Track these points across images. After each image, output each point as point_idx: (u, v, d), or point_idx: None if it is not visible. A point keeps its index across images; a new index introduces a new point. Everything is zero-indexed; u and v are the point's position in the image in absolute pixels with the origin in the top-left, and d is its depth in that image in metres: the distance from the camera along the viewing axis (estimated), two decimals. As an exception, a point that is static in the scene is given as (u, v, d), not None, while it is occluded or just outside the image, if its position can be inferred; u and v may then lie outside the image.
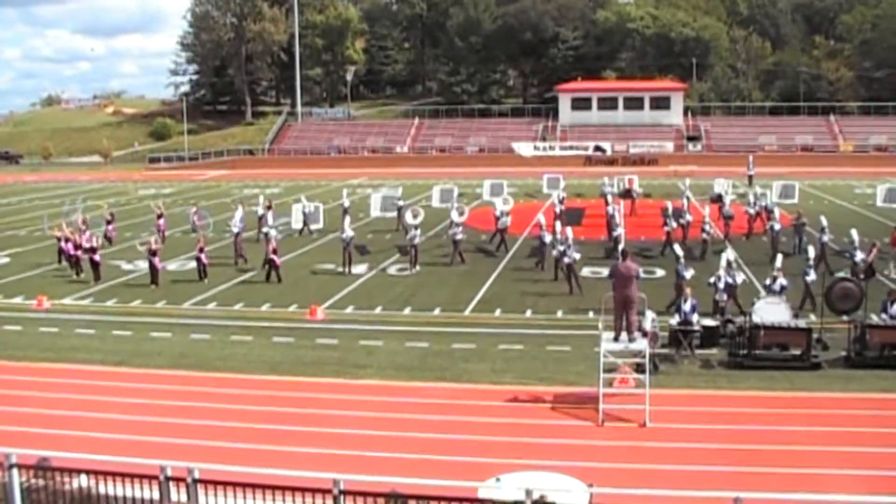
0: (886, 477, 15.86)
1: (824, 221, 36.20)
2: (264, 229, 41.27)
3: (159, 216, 46.58)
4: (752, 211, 43.88)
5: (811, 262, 28.94)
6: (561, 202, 46.47)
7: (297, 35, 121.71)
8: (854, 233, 32.66)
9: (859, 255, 31.10)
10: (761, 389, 21.31)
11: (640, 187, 56.25)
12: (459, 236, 38.80)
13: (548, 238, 36.15)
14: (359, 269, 37.16)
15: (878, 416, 19.53)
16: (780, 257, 28.47)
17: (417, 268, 36.64)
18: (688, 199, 46.92)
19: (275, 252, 35.42)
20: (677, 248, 31.02)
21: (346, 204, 47.86)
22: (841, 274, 29.32)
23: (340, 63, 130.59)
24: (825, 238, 35.10)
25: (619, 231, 37.47)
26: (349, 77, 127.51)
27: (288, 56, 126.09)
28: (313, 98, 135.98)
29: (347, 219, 39.24)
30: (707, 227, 38.28)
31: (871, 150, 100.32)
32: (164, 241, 43.01)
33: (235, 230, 39.64)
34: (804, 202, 52.03)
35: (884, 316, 24.27)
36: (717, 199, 46.52)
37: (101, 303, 32.23)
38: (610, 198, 46.46)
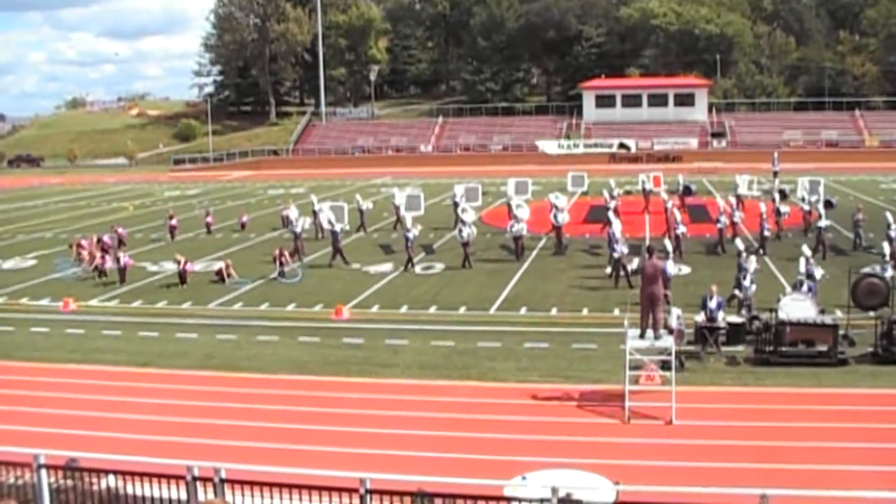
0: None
1: (890, 218, 35.54)
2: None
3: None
4: (806, 207, 43.53)
5: (888, 259, 28.91)
6: (614, 198, 46.20)
7: (320, 35, 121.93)
8: None
9: None
10: (787, 386, 21.20)
11: (667, 184, 56.37)
12: (525, 232, 38.77)
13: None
14: (384, 267, 37.21)
15: (906, 413, 19.41)
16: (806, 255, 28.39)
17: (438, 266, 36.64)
18: (738, 196, 47.38)
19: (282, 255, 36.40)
20: (739, 243, 30.90)
21: (398, 201, 47.98)
22: (867, 269, 29.11)
23: (364, 63, 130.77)
24: (893, 234, 34.28)
25: (682, 229, 37.15)
26: (373, 77, 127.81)
27: (311, 56, 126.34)
28: (337, 98, 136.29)
29: (408, 217, 39.10)
30: (765, 223, 38.23)
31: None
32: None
33: (298, 230, 40.02)
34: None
35: None
36: (783, 194, 46.80)
37: (127, 304, 32.41)
38: (665, 195, 46.20)
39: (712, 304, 24.21)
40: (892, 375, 21.88)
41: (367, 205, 48.43)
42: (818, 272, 27.00)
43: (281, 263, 36.00)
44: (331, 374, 23.14)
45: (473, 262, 37.04)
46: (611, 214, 38.77)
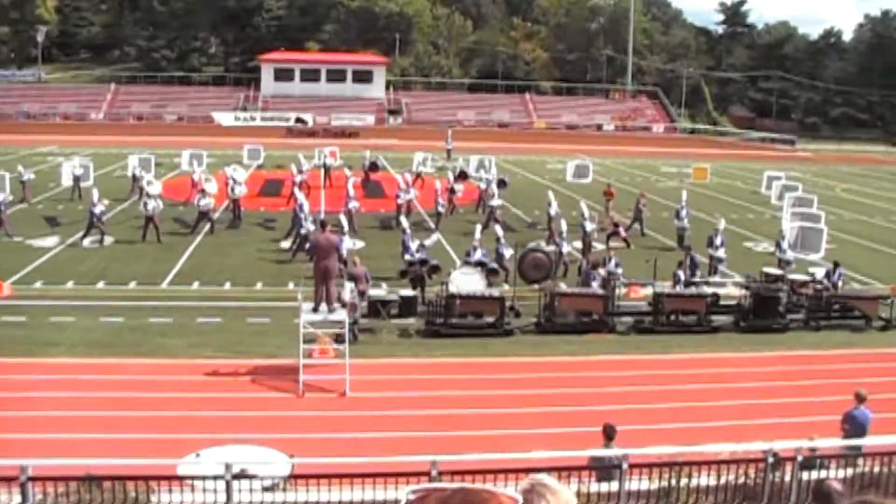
0: (573, 434, 16.73)
1: (551, 195, 37.36)
2: None
3: None
4: (483, 185, 44.98)
5: (564, 236, 30.89)
6: (302, 172, 45.60)
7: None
8: (583, 204, 35.42)
9: (589, 226, 33.13)
10: (457, 356, 22.06)
11: (340, 159, 57.25)
12: (212, 206, 37.82)
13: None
14: (48, 241, 35.44)
15: (565, 378, 20.71)
16: (478, 229, 29.70)
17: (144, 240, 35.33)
18: (418, 173, 49.83)
19: None
20: (404, 220, 32.30)
21: (139, 173, 45.73)
22: (532, 244, 30.65)
23: (30, 22, 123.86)
24: (553, 213, 36.09)
25: (355, 204, 37.52)
26: (40, 38, 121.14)
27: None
28: (0, 59, 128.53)
29: (95, 191, 36.83)
30: (440, 199, 39.62)
31: (562, 127, 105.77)
32: None
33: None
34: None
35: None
36: (463, 175, 48.06)
37: None
38: (348, 171, 46.42)
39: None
40: (553, 344, 23.36)
41: (28, 174, 45.88)
42: (507, 251, 28.32)
43: None
44: (-10, 354, 21.82)
45: (143, 235, 35.88)
46: (296, 190, 38.77)
